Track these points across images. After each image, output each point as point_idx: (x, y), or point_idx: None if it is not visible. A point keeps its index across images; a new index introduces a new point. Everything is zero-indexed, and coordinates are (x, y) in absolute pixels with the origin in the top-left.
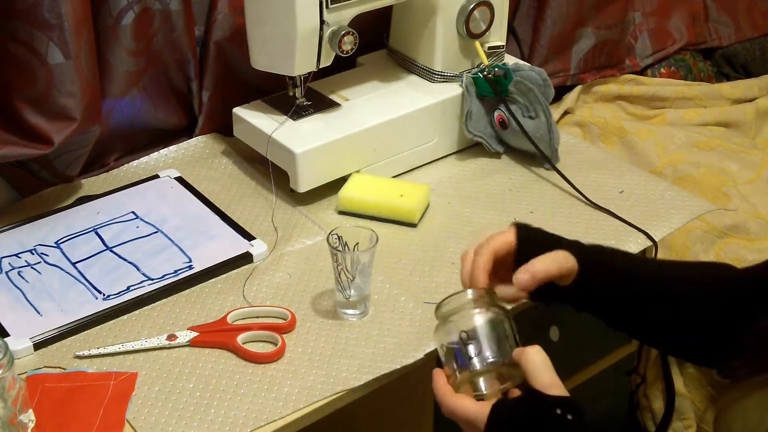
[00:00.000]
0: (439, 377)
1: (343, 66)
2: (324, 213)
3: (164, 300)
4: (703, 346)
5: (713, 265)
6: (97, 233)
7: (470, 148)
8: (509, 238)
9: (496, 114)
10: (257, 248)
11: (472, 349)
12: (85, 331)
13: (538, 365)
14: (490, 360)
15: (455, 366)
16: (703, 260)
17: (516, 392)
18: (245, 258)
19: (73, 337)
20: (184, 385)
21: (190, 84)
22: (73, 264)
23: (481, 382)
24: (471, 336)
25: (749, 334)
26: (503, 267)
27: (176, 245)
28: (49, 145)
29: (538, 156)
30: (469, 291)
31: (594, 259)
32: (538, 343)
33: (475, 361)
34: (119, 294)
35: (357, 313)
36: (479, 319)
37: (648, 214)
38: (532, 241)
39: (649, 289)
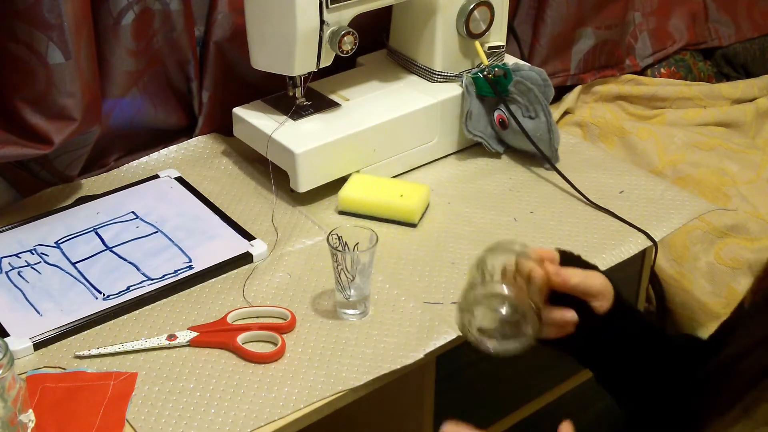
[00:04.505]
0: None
1: (343, 66)
2: (324, 213)
3: (164, 300)
4: None
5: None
6: (97, 233)
7: (470, 148)
8: (553, 250)
9: (496, 114)
10: (257, 248)
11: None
12: (85, 331)
13: None
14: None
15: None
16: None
17: None
18: (245, 258)
19: (73, 337)
20: (184, 385)
21: (190, 84)
22: (73, 264)
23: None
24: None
25: (717, 364)
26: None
27: (176, 245)
28: (49, 145)
29: (538, 156)
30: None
31: (624, 301)
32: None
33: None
34: (119, 294)
35: (357, 313)
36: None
37: (648, 214)
38: (573, 257)
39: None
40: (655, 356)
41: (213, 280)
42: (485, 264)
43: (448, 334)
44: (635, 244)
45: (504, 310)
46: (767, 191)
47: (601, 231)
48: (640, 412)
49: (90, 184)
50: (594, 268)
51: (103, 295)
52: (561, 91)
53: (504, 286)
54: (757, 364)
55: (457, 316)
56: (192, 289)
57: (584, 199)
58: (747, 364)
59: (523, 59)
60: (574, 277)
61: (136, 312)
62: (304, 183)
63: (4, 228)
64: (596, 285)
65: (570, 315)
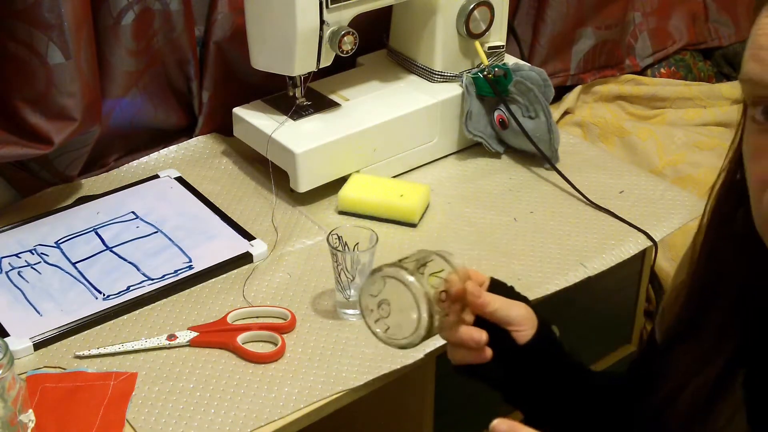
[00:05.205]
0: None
1: (343, 66)
2: (324, 213)
3: (164, 300)
4: None
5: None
6: (97, 233)
7: (470, 148)
8: (486, 276)
9: (496, 114)
10: (257, 248)
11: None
12: (85, 331)
13: None
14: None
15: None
16: None
17: None
18: (245, 258)
19: (73, 337)
20: (184, 385)
21: (190, 84)
22: (73, 264)
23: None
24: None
25: (651, 409)
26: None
27: (176, 245)
28: (49, 145)
29: (538, 156)
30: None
31: (548, 334)
32: None
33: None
34: (119, 294)
35: (357, 313)
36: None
37: (648, 214)
38: (505, 287)
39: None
40: (576, 392)
41: (213, 280)
42: (423, 256)
43: None
44: (635, 244)
45: (403, 295)
46: None
47: (601, 231)
48: None
49: (90, 184)
50: (524, 300)
51: (103, 295)
52: (561, 91)
53: (413, 276)
54: (687, 405)
55: (370, 275)
56: (192, 289)
57: (584, 199)
58: (678, 407)
59: (523, 59)
60: (494, 302)
61: (136, 312)
62: (304, 183)
63: (4, 228)
64: (516, 315)
65: (477, 334)
